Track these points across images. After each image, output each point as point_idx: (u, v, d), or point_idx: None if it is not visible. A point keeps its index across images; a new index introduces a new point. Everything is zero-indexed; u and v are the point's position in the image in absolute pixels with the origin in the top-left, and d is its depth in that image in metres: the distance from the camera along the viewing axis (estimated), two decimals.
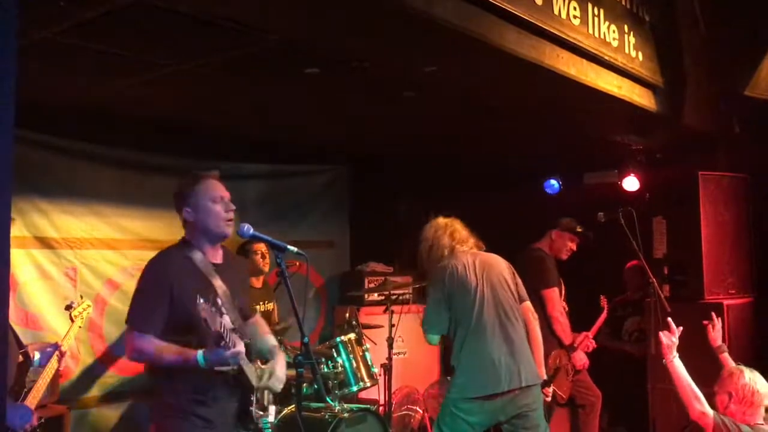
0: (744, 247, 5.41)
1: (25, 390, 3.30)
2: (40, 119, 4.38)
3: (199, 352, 2.58)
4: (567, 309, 5.07)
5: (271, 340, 3.10)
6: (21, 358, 3.34)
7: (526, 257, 5.07)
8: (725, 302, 5.10)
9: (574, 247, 5.21)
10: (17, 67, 1.43)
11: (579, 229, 5.17)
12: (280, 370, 2.91)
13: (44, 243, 4.68)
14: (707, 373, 5.04)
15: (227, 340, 2.49)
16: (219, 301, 2.55)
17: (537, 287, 4.88)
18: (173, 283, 2.69)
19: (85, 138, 4.87)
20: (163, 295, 2.68)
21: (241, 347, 2.57)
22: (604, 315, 5.42)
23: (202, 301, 2.41)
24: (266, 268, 4.99)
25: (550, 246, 5.16)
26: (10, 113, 1.42)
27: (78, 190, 4.87)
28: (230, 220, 2.83)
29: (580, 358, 4.94)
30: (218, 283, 2.79)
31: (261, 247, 4.92)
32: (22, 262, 4.51)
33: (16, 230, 4.36)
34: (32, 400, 3.29)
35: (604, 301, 5.43)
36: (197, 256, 2.79)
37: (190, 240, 2.85)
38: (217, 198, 2.81)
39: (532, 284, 4.91)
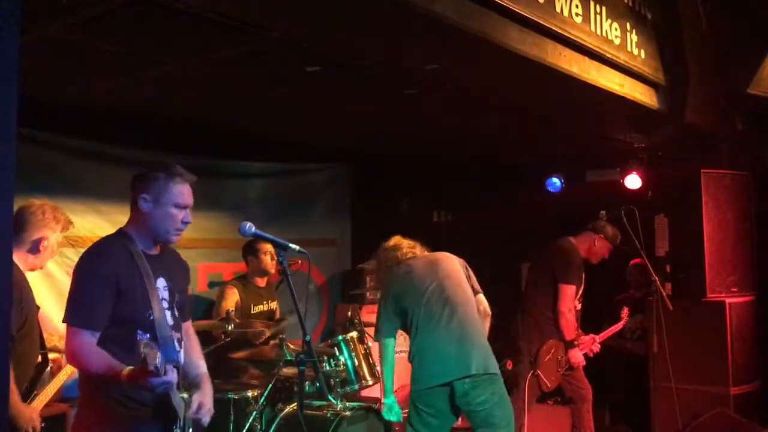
0: (746, 245, 5.41)
1: (35, 393, 3.27)
2: (42, 117, 4.37)
3: (126, 369, 2.37)
4: (579, 308, 5.06)
5: (201, 367, 2.88)
6: (40, 359, 3.32)
7: (559, 247, 5.05)
8: (727, 300, 5.10)
9: (607, 256, 5.20)
10: (20, 66, 1.43)
11: (621, 245, 5.16)
12: (209, 401, 2.72)
13: None
14: (711, 371, 5.07)
15: (160, 371, 2.30)
16: (164, 305, 2.52)
17: (557, 278, 4.89)
18: (119, 277, 2.51)
19: (87, 136, 4.86)
20: (109, 290, 2.49)
21: (172, 377, 2.38)
22: (619, 325, 5.35)
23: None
24: (273, 270, 4.97)
25: (589, 249, 5.10)
26: (13, 112, 1.41)
27: (80, 189, 4.86)
28: (180, 230, 2.67)
29: (577, 357, 4.92)
30: (157, 281, 2.62)
31: (270, 248, 4.89)
32: None
33: None
34: (39, 404, 3.27)
35: (625, 313, 5.36)
36: (137, 249, 2.61)
37: (128, 231, 2.66)
38: (182, 205, 2.65)
39: (554, 274, 4.92)
